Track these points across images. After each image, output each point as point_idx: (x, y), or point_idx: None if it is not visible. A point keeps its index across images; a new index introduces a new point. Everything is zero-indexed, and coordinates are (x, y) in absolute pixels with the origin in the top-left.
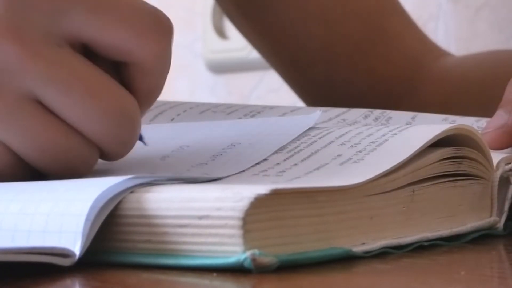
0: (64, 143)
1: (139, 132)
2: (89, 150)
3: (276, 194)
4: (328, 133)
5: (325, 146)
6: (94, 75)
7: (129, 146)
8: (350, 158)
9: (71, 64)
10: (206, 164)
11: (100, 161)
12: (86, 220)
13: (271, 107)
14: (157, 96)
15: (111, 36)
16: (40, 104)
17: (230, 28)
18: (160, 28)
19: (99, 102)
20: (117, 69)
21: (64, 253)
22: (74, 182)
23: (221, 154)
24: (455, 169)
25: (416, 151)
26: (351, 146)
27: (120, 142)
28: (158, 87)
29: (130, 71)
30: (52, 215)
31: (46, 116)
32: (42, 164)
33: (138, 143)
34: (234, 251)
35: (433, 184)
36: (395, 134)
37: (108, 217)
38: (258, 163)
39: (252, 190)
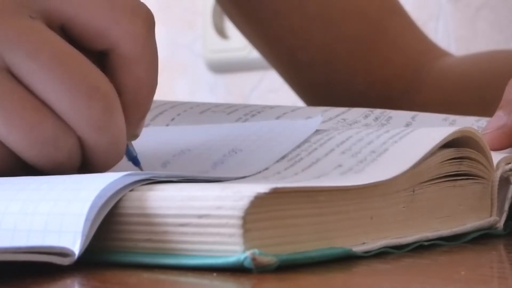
0: (35, 117)
1: (121, 130)
2: (64, 132)
3: (276, 193)
4: (329, 139)
5: (326, 154)
6: (64, 47)
7: (107, 135)
8: (351, 169)
9: (41, 33)
10: (207, 172)
11: None
12: (86, 220)
13: (271, 107)
14: (147, 101)
15: (86, 14)
16: (12, 76)
17: (230, 28)
18: (136, 10)
19: (64, 69)
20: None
21: (63, 252)
22: (73, 179)
23: (223, 162)
24: (456, 170)
25: (416, 162)
26: (352, 156)
27: (95, 125)
28: (145, 87)
29: (113, 62)
30: (52, 215)
31: (16, 86)
32: (15, 144)
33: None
34: (234, 251)
35: (433, 183)
36: (396, 142)
37: (108, 216)
38: (259, 172)
39: (252, 189)
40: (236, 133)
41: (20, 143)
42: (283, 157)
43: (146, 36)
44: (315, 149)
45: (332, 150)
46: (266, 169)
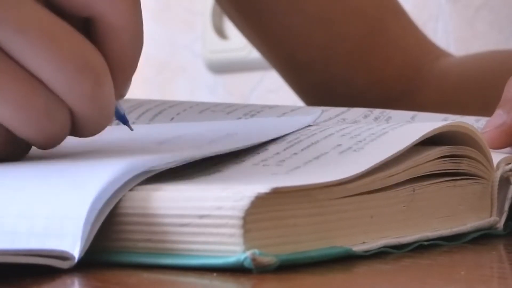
0: (27, 90)
1: (111, 99)
2: (56, 104)
3: (276, 192)
4: (328, 127)
5: (325, 137)
6: (51, 20)
7: (97, 105)
8: (350, 147)
9: (28, 7)
10: (202, 147)
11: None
12: (86, 223)
13: (271, 107)
14: (133, 63)
15: None
16: (2, 51)
17: (230, 28)
18: None
19: (55, 44)
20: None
21: (63, 256)
22: (71, 174)
23: (219, 140)
24: (455, 168)
25: (416, 140)
26: (351, 137)
27: (86, 98)
28: (130, 51)
29: (98, 30)
30: (51, 218)
31: (7, 61)
32: (9, 119)
33: (124, 128)
34: (234, 251)
35: (433, 183)
36: (396, 128)
37: (108, 216)
38: (258, 153)
39: (253, 189)
40: (232, 127)
41: (15, 117)
42: (282, 139)
43: (131, 4)
44: (315, 133)
45: (332, 134)
46: (266, 149)
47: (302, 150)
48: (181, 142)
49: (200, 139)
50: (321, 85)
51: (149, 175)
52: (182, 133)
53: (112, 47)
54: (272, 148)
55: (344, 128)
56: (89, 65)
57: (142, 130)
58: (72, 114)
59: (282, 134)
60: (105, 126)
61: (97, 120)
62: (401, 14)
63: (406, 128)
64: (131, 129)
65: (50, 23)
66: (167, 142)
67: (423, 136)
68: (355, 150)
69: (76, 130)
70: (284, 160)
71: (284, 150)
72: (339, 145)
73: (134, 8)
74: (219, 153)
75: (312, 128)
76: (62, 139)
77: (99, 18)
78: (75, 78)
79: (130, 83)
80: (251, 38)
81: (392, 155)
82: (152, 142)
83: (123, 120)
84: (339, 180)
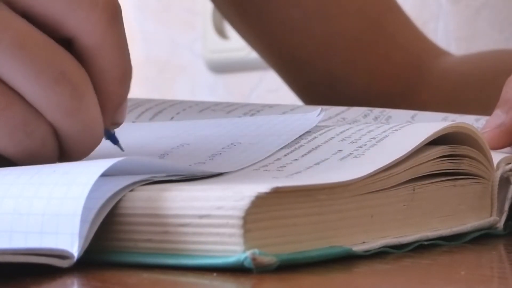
0: (2, 102)
1: (95, 115)
2: (34, 117)
3: (277, 192)
4: (329, 130)
5: (326, 142)
6: (27, 30)
7: (79, 121)
8: (351, 153)
9: (2, 17)
10: (204, 163)
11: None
12: (83, 221)
13: (271, 106)
14: (118, 84)
15: (43, 2)
16: None
17: (230, 28)
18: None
19: (29, 53)
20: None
21: (62, 255)
22: (62, 170)
23: (220, 154)
24: (455, 168)
25: (416, 146)
26: (352, 142)
27: (65, 111)
28: (113, 73)
29: (76, 51)
30: (46, 216)
31: None
32: None
33: (127, 132)
34: (234, 251)
35: (434, 182)
36: (396, 130)
37: (109, 216)
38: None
39: (253, 189)
40: (236, 128)
41: None
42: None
43: (107, 25)
44: (315, 137)
45: (332, 138)
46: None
47: (302, 156)
48: (182, 155)
49: (202, 152)
50: (320, 83)
51: (149, 181)
52: (185, 141)
53: (91, 70)
54: (273, 154)
55: (344, 131)
56: (65, 76)
57: (144, 133)
58: (56, 133)
59: (285, 143)
60: (94, 147)
61: (82, 138)
62: (398, 12)
63: (407, 130)
64: (122, 150)
65: (24, 32)
66: (169, 154)
67: (422, 142)
68: (355, 156)
69: (64, 152)
70: (284, 166)
71: (285, 155)
72: (340, 150)
73: (111, 29)
74: (220, 172)
75: (312, 130)
76: (46, 156)
77: (75, 39)
78: (50, 88)
79: (124, 111)
80: (250, 38)
81: (392, 162)
82: (154, 155)
83: (113, 141)
84: (340, 182)
